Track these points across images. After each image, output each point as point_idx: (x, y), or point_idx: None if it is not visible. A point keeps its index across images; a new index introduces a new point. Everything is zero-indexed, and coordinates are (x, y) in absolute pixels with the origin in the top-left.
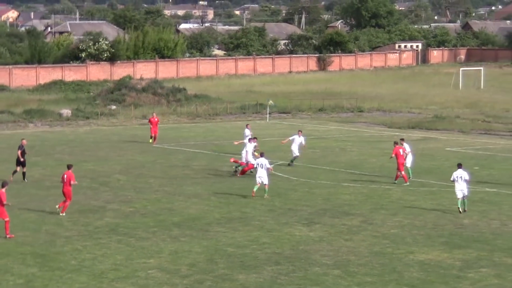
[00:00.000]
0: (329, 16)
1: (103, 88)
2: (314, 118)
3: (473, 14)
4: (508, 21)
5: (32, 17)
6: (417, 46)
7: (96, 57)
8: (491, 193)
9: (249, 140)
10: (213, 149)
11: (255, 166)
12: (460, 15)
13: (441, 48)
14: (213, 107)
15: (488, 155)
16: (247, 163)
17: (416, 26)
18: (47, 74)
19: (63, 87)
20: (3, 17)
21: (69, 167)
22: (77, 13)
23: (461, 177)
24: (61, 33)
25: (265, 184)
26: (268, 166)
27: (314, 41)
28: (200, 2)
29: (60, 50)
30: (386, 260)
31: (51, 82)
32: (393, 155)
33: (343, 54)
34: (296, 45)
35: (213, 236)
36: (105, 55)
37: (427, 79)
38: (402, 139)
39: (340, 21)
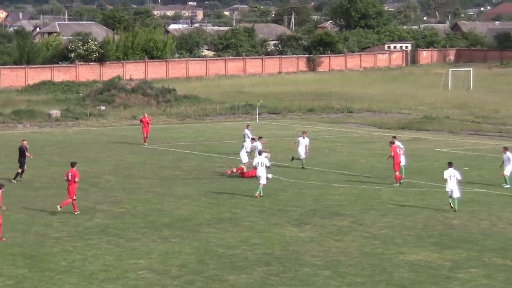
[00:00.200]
0: (319, 16)
1: (93, 88)
2: (304, 118)
3: (462, 15)
4: (497, 22)
5: (20, 17)
6: (406, 47)
7: (85, 58)
8: (480, 194)
9: (252, 139)
10: (203, 150)
11: (254, 164)
12: (449, 16)
13: (430, 49)
14: (202, 108)
15: (477, 155)
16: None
17: (405, 27)
18: (36, 74)
19: (52, 88)
20: None
21: (72, 165)
22: (66, 14)
23: (453, 176)
24: (50, 33)
25: (261, 183)
26: (267, 164)
27: (303, 42)
28: (190, 3)
29: (49, 50)
30: (376, 261)
31: (40, 82)
32: (392, 154)
33: (333, 55)
34: (286, 46)
35: (203, 237)
36: (94, 55)
37: (417, 79)
38: (394, 137)
39: (330, 21)
